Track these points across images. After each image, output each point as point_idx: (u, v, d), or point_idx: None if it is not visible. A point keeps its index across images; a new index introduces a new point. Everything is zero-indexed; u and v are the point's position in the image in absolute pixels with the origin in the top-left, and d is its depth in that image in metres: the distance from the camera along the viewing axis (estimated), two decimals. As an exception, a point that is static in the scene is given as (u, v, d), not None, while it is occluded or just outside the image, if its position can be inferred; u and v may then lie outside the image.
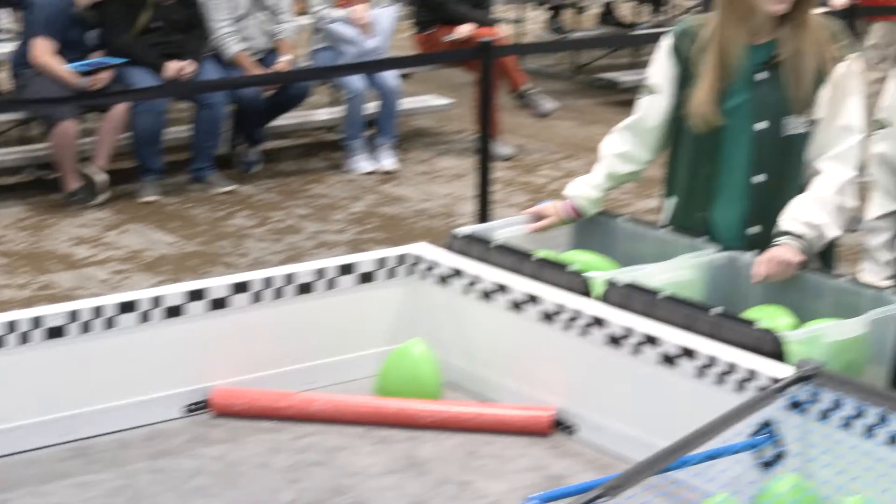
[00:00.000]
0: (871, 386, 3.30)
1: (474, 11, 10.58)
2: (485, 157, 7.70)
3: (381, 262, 4.16)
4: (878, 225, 4.25)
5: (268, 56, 10.08)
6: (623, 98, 4.03)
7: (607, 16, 12.66)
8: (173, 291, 3.86)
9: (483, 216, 7.50)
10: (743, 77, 4.15)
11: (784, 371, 3.21)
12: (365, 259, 4.16)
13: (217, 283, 3.93)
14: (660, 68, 4.32)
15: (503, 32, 10.76)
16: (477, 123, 8.05)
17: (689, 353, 3.44)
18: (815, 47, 4.09)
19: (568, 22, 12.44)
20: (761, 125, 4.15)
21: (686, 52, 4.24)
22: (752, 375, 3.29)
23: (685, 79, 4.23)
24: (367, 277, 4.13)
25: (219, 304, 3.90)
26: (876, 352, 3.73)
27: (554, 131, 10.51)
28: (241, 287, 3.93)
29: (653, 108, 4.33)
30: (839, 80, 4.11)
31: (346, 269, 4.10)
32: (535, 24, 13.05)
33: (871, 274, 4.21)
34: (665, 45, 4.31)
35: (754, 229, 4.21)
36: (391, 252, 4.22)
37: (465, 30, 10.44)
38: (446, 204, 9.25)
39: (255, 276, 3.99)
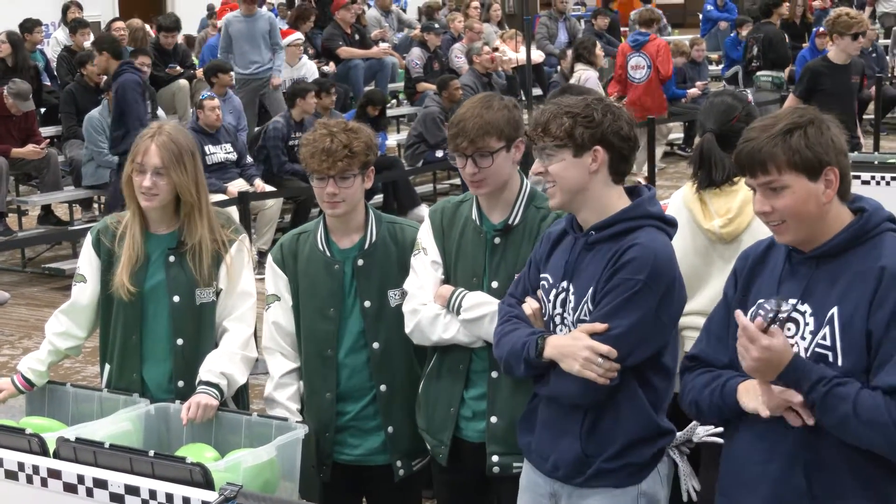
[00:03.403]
0: (285, 499, 3.58)
1: None
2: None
3: None
4: (284, 381, 4.35)
5: None
6: (69, 283, 4.09)
7: (47, 216, 12.69)
8: None
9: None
10: (158, 260, 4.38)
11: (211, 496, 3.39)
12: None
13: None
14: (85, 260, 4.47)
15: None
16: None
17: (133, 490, 3.55)
18: (211, 234, 4.39)
19: (13, 223, 12.38)
20: (177, 298, 4.37)
21: (107, 244, 4.42)
22: (186, 503, 3.45)
23: (109, 266, 4.40)
24: None
25: None
26: (286, 470, 3.98)
27: (11, 316, 10.35)
28: None
29: (83, 294, 4.47)
30: (233, 256, 4.41)
31: None
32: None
33: (281, 411, 4.29)
34: (88, 240, 4.48)
35: (180, 383, 4.39)
36: None
37: None
38: None
39: None
